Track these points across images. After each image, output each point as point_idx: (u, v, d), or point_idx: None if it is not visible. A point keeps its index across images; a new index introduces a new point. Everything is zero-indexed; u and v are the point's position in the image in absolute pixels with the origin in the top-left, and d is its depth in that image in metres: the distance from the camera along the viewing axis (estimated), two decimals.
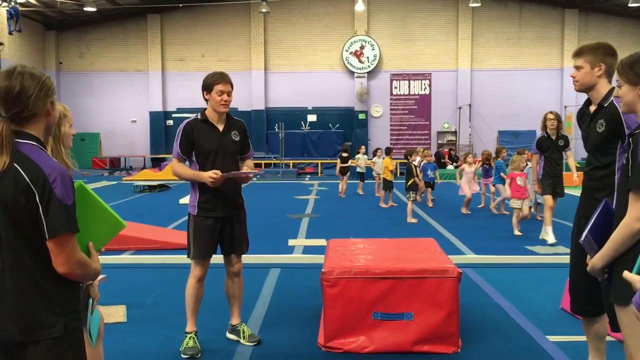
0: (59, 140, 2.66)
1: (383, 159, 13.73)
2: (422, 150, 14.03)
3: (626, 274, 1.85)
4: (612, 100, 3.18)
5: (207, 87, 4.12)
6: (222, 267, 4.38)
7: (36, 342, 1.95)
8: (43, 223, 1.89)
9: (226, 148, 4.13)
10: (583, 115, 3.46)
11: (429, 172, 12.29)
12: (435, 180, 12.69)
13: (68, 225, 1.91)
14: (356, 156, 15.86)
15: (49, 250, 1.93)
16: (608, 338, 3.80)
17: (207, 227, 4.14)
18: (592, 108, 3.35)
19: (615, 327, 3.01)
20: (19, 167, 1.89)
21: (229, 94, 4.12)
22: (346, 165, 15.25)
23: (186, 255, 4.26)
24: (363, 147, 16.24)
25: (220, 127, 4.18)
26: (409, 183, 10.37)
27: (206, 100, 4.16)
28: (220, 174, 3.97)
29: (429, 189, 12.57)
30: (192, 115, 4.27)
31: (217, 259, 4.38)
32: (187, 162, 4.19)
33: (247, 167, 4.30)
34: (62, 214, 1.90)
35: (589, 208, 3.30)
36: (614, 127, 3.13)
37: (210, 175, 3.96)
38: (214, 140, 4.13)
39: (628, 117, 3.06)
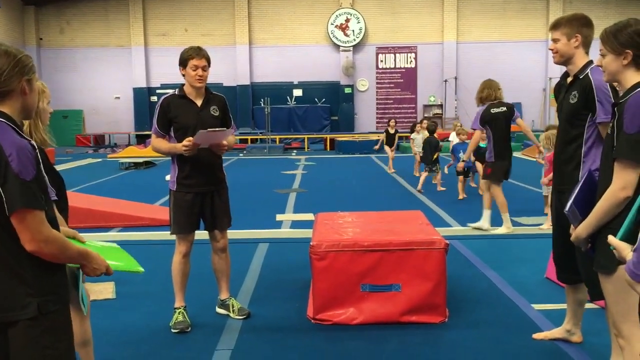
0: (37, 115, 2.64)
1: (426, 135, 11.49)
2: (459, 125, 11.56)
3: (611, 238, 1.86)
4: (588, 72, 3.26)
5: (182, 62, 4.09)
6: (209, 243, 4.38)
7: (13, 322, 1.94)
8: (2, 199, 1.86)
9: (205, 123, 4.07)
10: (560, 87, 3.57)
11: (461, 155, 9.16)
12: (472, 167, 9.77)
13: (25, 200, 1.86)
14: (412, 136, 12.88)
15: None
16: (590, 306, 3.89)
17: (187, 202, 4.12)
18: (569, 80, 3.42)
19: (594, 295, 3.10)
20: None
21: (204, 68, 4.07)
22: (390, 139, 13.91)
23: (169, 232, 4.27)
24: (424, 122, 12.76)
25: (199, 102, 4.14)
26: (435, 157, 10.36)
27: (183, 75, 4.13)
28: (192, 140, 3.92)
29: (460, 177, 9.56)
30: (171, 91, 4.24)
31: (205, 234, 4.39)
32: (168, 139, 4.17)
33: (227, 141, 4.23)
34: (18, 189, 1.85)
35: (561, 181, 3.40)
36: (586, 99, 3.22)
37: (183, 144, 3.93)
38: (192, 115, 4.10)
39: (599, 90, 3.15)
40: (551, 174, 6.98)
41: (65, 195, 2.66)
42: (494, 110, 6.95)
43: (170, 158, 4.24)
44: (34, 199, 1.89)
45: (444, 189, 10.44)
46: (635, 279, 1.59)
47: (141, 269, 2.32)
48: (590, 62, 3.32)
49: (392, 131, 14.06)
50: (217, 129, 4.04)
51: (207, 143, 4.03)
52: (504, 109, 6.96)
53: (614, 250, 1.84)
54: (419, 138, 12.13)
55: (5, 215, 1.88)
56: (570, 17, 3.37)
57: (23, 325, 1.94)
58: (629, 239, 1.82)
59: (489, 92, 7.04)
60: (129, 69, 25.25)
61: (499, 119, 6.91)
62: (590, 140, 3.26)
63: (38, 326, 1.95)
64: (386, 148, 14.11)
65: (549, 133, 7.48)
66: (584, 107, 3.23)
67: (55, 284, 2.03)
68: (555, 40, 3.37)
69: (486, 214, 7.14)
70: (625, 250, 1.77)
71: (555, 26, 3.38)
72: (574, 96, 3.28)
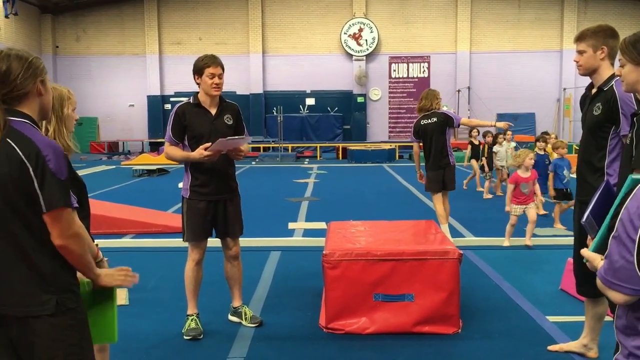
0: (62, 121, 2.67)
1: (511, 147, 10.71)
2: (553, 136, 9.49)
3: (583, 251, 1.88)
4: (612, 85, 3.21)
5: (198, 70, 4.09)
6: (222, 250, 4.39)
7: (35, 317, 1.98)
8: (39, 197, 1.92)
9: (219, 132, 4.08)
10: (585, 99, 3.50)
11: (565, 173, 7.71)
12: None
13: (64, 199, 1.95)
14: (494, 148, 11.02)
15: (46, 224, 1.95)
16: (607, 319, 3.84)
17: (200, 210, 4.13)
18: (593, 92, 3.36)
19: (614, 308, 3.05)
20: (12, 142, 1.92)
21: (220, 76, 4.08)
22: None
23: (182, 239, 4.28)
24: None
25: (213, 111, 4.15)
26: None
27: (198, 84, 4.13)
28: (210, 147, 3.91)
29: (559, 204, 7.89)
30: (185, 99, 4.25)
31: (217, 241, 4.39)
32: (182, 147, 4.18)
33: (243, 148, 4.24)
34: (57, 188, 1.93)
35: (584, 192, 3.35)
36: (610, 111, 3.17)
37: (201, 153, 3.93)
38: (206, 124, 4.11)
39: (624, 102, 3.10)
40: (512, 198, 6.66)
41: (86, 202, 2.67)
42: (423, 122, 6.86)
43: (183, 165, 4.25)
44: (69, 198, 1.99)
45: (490, 196, 10.87)
46: (605, 284, 1.60)
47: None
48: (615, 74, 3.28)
49: (476, 142, 11.91)
50: (235, 137, 4.06)
51: (225, 149, 4.04)
52: (435, 119, 6.78)
53: (587, 263, 1.85)
54: (502, 150, 10.86)
55: (32, 213, 1.94)
56: (596, 29, 3.30)
57: (48, 320, 1.98)
58: (602, 249, 1.83)
59: (424, 103, 6.90)
60: (143, 77, 25.46)
61: (428, 130, 6.79)
62: (615, 152, 3.21)
63: (62, 323, 2.01)
64: (472, 162, 11.93)
65: (524, 151, 7.03)
66: (607, 119, 3.19)
67: (72, 283, 2.09)
68: (580, 52, 3.30)
69: (444, 228, 6.80)
70: (596, 259, 1.80)
71: (580, 38, 3.31)
72: (598, 108, 3.23)
